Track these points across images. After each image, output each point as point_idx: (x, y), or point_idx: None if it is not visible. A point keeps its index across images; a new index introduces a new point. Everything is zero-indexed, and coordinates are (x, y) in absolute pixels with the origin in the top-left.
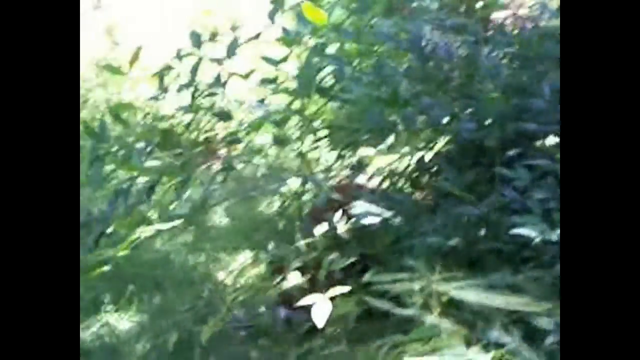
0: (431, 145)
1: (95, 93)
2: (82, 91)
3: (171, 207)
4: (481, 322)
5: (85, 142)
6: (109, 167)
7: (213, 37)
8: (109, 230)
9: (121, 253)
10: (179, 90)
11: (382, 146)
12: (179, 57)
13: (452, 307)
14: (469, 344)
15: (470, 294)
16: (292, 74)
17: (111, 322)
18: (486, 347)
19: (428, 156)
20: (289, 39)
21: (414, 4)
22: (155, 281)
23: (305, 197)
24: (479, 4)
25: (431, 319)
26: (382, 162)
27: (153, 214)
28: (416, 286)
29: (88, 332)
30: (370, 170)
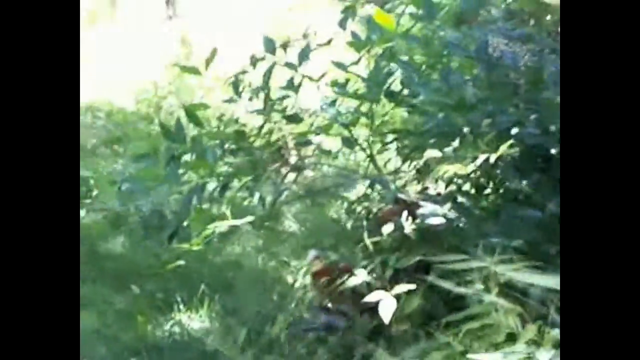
0: (495, 149)
1: (169, 100)
2: (155, 98)
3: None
4: (535, 302)
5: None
6: (184, 167)
7: (284, 45)
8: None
9: (195, 248)
10: (252, 94)
11: (448, 149)
12: (253, 62)
13: (510, 289)
14: (524, 322)
15: (526, 275)
16: (362, 77)
17: (183, 320)
18: (541, 327)
19: (492, 158)
20: (359, 44)
21: (482, 15)
22: (226, 283)
23: (373, 199)
24: (547, 17)
25: (489, 298)
26: (448, 168)
27: (226, 211)
28: (475, 265)
29: (160, 329)
30: (436, 173)
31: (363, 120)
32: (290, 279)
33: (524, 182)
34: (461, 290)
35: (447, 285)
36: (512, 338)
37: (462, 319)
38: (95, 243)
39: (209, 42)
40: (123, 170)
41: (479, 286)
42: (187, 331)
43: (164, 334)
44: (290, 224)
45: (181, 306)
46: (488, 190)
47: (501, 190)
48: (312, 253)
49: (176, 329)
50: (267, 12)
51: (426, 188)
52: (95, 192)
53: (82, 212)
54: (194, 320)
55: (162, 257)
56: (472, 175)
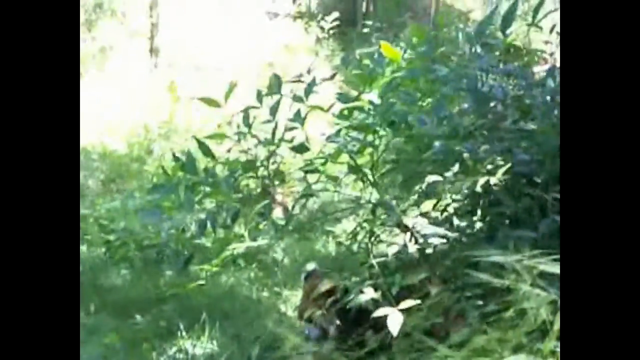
0: (490, 175)
1: (160, 144)
2: (146, 141)
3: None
4: None
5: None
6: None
7: (271, 90)
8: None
9: (214, 269)
10: (256, 126)
11: (449, 174)
12: (259, 98)
13: (542, 280)
14: (555, 310)
15: (556, 267)
16: (371, 105)
17: (185, 347)
18: None
19: (493, 181)
20: (365, 76)
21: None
22: (224, 312)
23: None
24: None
25: (524, 287)
26: (428, 205)
27: (245, 233)
28: (509, 259)
29: (165, 355)
30: (435, 198)
31: (368, 148)
32: (283, 308)
33: (517, 204)
34: (497, 281)
35: (485, 277)
36: (544, 326)
37: (496, 310)
38: (97, 276)
39: (192, 87)
40: (120, 207)
41: (506, 281)
42: (191, 356)
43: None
44: (279, 257)
45: (183, 333)
46: (478, 215)
47: (487, 217)
48: (306, 269)
49: (180, 355)
50: (250, 57)
51: (426, 213)
52: (96, 229)
53: (83, 248)
54: (197, 347)
55: (162, 288)
56: (468, 198)
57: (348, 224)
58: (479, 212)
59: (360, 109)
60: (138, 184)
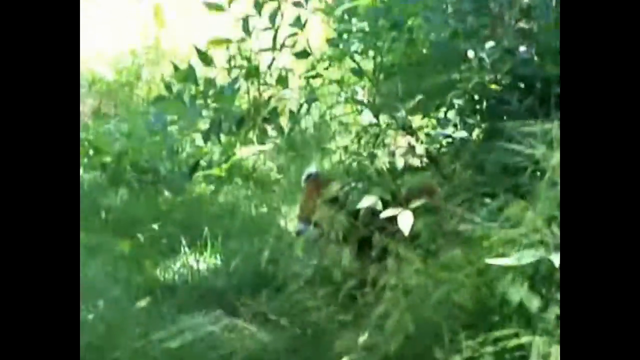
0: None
1: (148, 69)
2: (134, 67)
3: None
4: None
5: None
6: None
7: None
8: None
9: (222, 173)
10: (257, 31)
11: (455, 75)
12: (258, 6)
13: None
14: None
15: None
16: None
17: (189, 263)
18: None
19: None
20: None
21: None
22: (225, 228)
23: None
24: None
25: (555, 156)
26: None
27: (253, 138)
28: (538, 128)
29: (169, 271)
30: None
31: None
32: (282, 223)
33: (521, 102)
34: (529, 150)
35: (517, 147)
36: None
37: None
38: (96, 198)
39: (177, 12)
40: (113, 130)
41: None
42: (195, 271)
43: (173, 275)
44: (275, 175)
45: (186, 249)
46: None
47: (492, 117)
48: (308, 170)
49: (184, 271)
50: None
51: (430, 114)
52: (91, 152)
53: (80, 170)
54: (200, 262)
55: (161, 206)
56: (470, 101)
57: (343, 143)
58: (483, 112)
59: (360, 14)
60: (130, 108)
